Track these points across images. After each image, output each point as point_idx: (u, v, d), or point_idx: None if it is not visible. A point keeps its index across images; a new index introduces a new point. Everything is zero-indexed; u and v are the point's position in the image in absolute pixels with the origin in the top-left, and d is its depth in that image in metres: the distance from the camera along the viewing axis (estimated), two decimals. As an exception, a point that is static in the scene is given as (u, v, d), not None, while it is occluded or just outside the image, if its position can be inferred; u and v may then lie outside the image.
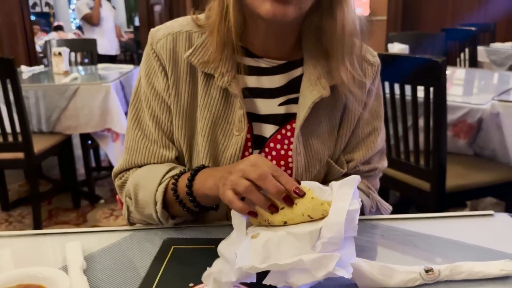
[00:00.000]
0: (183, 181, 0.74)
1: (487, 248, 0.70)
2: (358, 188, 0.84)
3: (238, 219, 0.63)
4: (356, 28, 0.77)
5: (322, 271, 0.53)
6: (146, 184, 0.78)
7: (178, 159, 0.84)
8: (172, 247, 0.73)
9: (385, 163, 0.93)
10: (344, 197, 0.58)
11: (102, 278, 0.65)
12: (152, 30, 0.83)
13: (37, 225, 2.36)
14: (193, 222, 0.83)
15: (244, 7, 0.75)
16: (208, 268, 0.61)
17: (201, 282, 0.62)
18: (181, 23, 0.82)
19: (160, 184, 0.77)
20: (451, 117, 1.78)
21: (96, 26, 4.77)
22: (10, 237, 0.81)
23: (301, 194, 0.59)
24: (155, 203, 0.76)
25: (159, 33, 0.81)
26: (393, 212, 0.91)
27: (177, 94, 0.80)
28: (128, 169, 0.85)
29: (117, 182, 0.87)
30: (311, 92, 0.79)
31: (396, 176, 1.82)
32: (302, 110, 0.79)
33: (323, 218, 0.58)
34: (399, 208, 2.51)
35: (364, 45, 0.82)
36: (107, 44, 4.84)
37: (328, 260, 0.54)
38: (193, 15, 0.82)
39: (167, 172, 0.78)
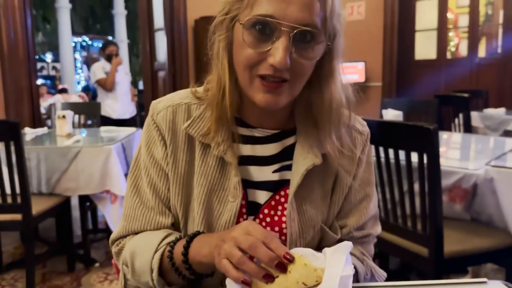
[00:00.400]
0: (179, 248, 0.76)
1: (480, 318, 0.70)
2: (352, 254, 0.86)
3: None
4: (342, 99, 0.81)
5: None
6: (143, 252, 0.79)
7: (174, 225, 0.86)
8: (165, 314, 0.72)
9: (378, 228, 0.94)
10: (336, 263, 0.60)
11: None
12: (153, 102, 0.87)
13: (30, 289, 2.30)
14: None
15: (240, 88, 0.80)
16: None
17: None
18: (181, 96, 0.87)
19: (156, 251, 0.78)
20: (446, 182, 1.81)
21: (110, 92, 4.76)
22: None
23: (291, 259, 0.61)
24: (151, 271, 0.77)
25: (160, 105, 0.86)
26: (394, 278, 0.91)
27: (175, 162, 0.83)
28: (125, 236, 0.86)
29: (114, 249, 0.88)
30: (304, 159, 0.82)
31: (394, 241, 1.81)
32: (295, 176, 0.82)
33: (317, 285, 0.59)
34: (400, 273, 2.46)
35: (352, 115, 0.86)
36: (120, 108, 4.79)
37: None
38: (192, 88, 0.87)
39: (163, 239, 0.79)
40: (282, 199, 0.84)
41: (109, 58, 4.78)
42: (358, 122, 0.90)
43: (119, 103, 4.78)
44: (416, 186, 1.67)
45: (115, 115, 4.70)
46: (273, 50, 0.71)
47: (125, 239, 0.86)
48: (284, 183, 0.85)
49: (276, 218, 0.84)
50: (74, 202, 2.87)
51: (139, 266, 0.80)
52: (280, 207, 0.84)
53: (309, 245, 0.84)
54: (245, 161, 0.84)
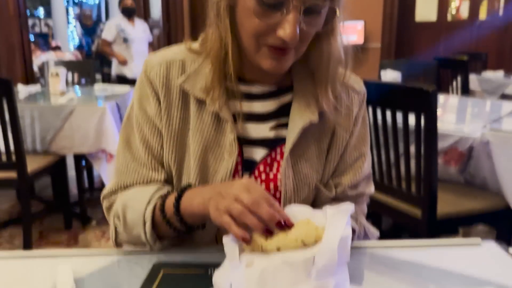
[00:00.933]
0: (170, 200, 0.76)
1: (473, 277, 0.71)
2: None
3: (230, 247, 0.63)
4: (341, 57, 0.80)
5: None
6: (135, 205, 0.79)
7: (167, 182, 0.86)
8: (162, 271, 0.73)
9: (372, 188, 0.95)
10: (338, 223, 0.59)
11: (90, 302, 0.65)
12: (146, 58, 0.86)
13: (28, 246, 2.33)
14: (183, 244, 0.84)
15: (242, 47, 0.78)
16: None
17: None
18: (175, 51, 0.85)
19: (148, 203, 0.78)
20: (442, 144, 1.81)
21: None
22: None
23: (290, 226, 0.61)
24: (144, 223, 0.77)
25: (153, 61, 0.84)
26: (385, 238, 0.92)
27: (168, 119, 0.82)
28: (117, 192, 0.86)
29: (105, 204, 0.88)
30: (301, 117, 0.82)
31: (388, 202, 1.83)
32: (291, 134, 0.82)
33: (316, 244, 0.59)
34: (392, 233, 2.51)
35: (348, 73, 0.85)
36: (135, 68, 4.49)
37: None
38: (186, 43, 0.85)
39: (155, 192, 0.80)
40: (278, 157, 0.84)
41: (125, 12, 4.41)
42: (355, 81, 0.89)
43: (134, 62, 4.52)
44: (412, 149, 1.67)
45: (130, 74, 4.51)
46: (283, 24, 0.70)
47: (116, 194, 0.86)
48: (280, 141, 0.84)
49: (271, 175, 0.84)
50: (70, 162, 2.87)
51: (131, 219, 0.79)
52: (275, 165, 0.84)
53: (303, 203, 0.84)
54: (241, 117, 0.83)
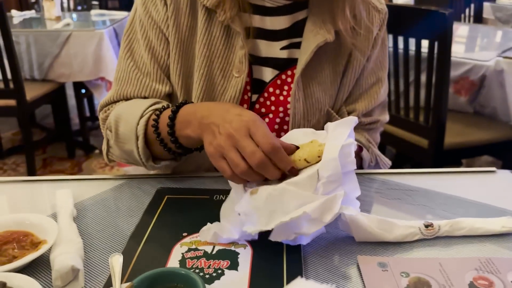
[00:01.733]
0: (165, 119, 0.69)
1: (488, 205, 0.69)
2: (358, 141, 0.82)
3: None
4: None
5: (329, 215, 0.52)
6: (128, 117, 0.73)
7: (171, 97, 0.80)
8: (166, 196, 0.71)
9: (386, 116, 0.91)
10: (339, 136, 0.56)
11: (92, 226, 0.64)
12: None
13: (31, 173, 2.34)
14: (185, 170, 0.81)
15: None
16: (208, 223, 0.60)
17: (194, 232, 0.60)
18: None
19: (141, 117, 0.72)
20: (453, 73, 1.74)
21: None
22: (1, 183, 0.79)
23: (295, 174, 0.57)
24: (137, 138, 0.71)
25: None
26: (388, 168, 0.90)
27: (175, 25, 0.75)
28: (116, 102, 0.80)
29: (101, 115, 0.82)
30: (315, 35, 0.75)
31: (394, 132, 1.79)
32: (304, 54, 0.75)
33: (319, 160, 0.55)
34: (394, 164, 2.51)
35: None
36: None
37: (332, 203, 0.53)
38: None
39: (150, 106, 0.73)
40: (289, 79, 0.79)
41: None
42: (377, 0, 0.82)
43: None
44: (423, 77, 1.61)
45: None
46: None
47: (115, 104, 0.80)
48: (293, 62, 0.78)
49: (281, 97, 0.79)
50: (70, 91, 2.82)
51: (123, 132, 0.74)
52: (286, 87, 0.79)
53: (314, 129, 0.80)
54: (252, 33, 0.76)
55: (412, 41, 1.59)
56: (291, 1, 0.77)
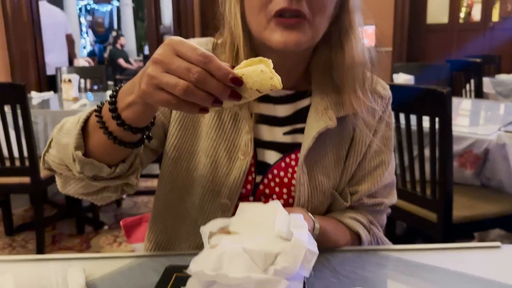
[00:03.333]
0: (107, 104, 0.63)
1: (494, 281, 0.69)
2: (359, 222, 0.84)
3: (203, 233, 0.65)
4: (365, 59, 0.78)
5: None
6: (79, 114, 0.68)
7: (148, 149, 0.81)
8: (174, 275, 0.72)
9: (393, 198, 0.90)
10: (302, 236, 0.58)
11: (102, 305, 0.65)
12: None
13: (41, 250, 2.34)
14: (193, 247, 0.83)
15: (253, 42, 0.77)
16: None
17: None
18: (199, 41, 0.84)
19: (90, 111, 0.67)
20: (457, 147, 1.78)
21: None
22: (12, 261, 0.80)
23: (240, 84, 0.53)
24: (77, 123, 0.65)
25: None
26: (399, 243, 0.90)
27: None
28: None
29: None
30: (317, 122, 0.79)
31: (402, 206, 1.80)
32: (307, 139, 0.79)
33: (271, 90, 0.54)
34: (406, 238, 2.47)
35: (375, 77, 0.83)
36: None
37: (275, 285, 0.54)
38: (212, 38, 0.83)
39: None
40: (293, 162, 0.82)
41: None
42: (380, 85, 0.86)
43: None
44: (427, 152, 1.65)
45: None
46: None
47: None
48: (296, 146, 0.82)
49: (285, 180, 0.82)
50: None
51: (67, 126, 0.68)
52: (290, 170, 0.82)
53: (317, 210, 0.83)
54: (257, 119, 0.81)
55: (413, 117, 1.64)
56: (294, 91, 0.83)
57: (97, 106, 0.64)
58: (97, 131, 0.63)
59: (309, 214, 0.77)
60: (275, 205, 0.67)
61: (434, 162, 1.61)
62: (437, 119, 1.55)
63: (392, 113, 0.89)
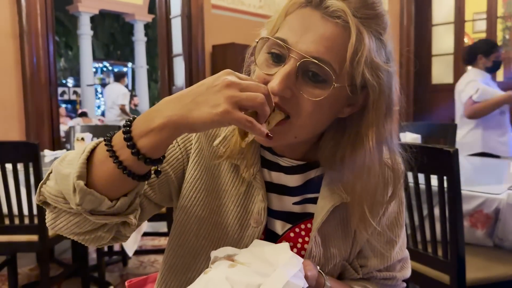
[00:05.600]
0: (120, 133, 0.61)
1: None
2: None
3: (212, 253, 0.69)
4: (376, 170, 0.72)
5: None
6: (83, 148, 0.65)
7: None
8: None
9: (407, 272, 0.88)
10: (291, 266, 0.61)
11: None
12: None
13: (44, 311, 2.29)
14: None
15: None
16: None
17: None
18: None
19: (97, 142, 0.65)
20: (467, 206, 1.76)
21: None
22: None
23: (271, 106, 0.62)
24: (82, 153, 0.63)
25: None
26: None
27: (199, 162, 0.79)
28: None
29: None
30: (332, 195, 0.77)
31: (414, 267, 1.75)
32: (321, 212, 0.77)
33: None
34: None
35: (393, 157, 0.78)
36: None
37: None
38: None
39: None
40: (303, 232, 0.80)
41: None
42: (395, 161, 0.79)
43: None
44: (436, 211, 1.63)
45: None
46: (276, 74, 0.66)
47: None
48: (306, 216, 0.81)
49: (295, 250, 0.80)
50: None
51: (70, 157, 0.65)
52: (300, 240, 0.80)
53: None
54: (268, 187, 0.80)
55: (421, 176, 1.64)
56: (305, 161, 0.81)
57: (106, 136, 0.63)
58: (104, 161, 0.61)
59: (321, 272, 0.76)
60: (285, 246, 0.70)
61: (445, 222, 1.59)
62: (445, 178, 1.54)
63: (403, 190, 0.85)
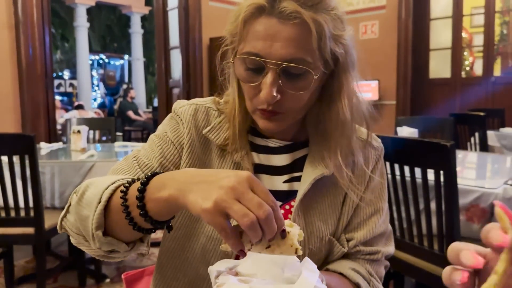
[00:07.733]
0: (137, 184, 0.64)
1: None
2: (358, 272, 0.84)
3: (211, 272, 0.63)
4: (358, 115, 0.82)
5: None
6: (99, 183, 0.69)
7: None
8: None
9: (390, 248, 0.92)
10: (312, 273, 0.59)
11: None
12: (176, 101, 0.91)
13: (40, 304, 2.29)
14: None
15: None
16: None
17: None
18: (204, 99, 0.90)
19: (113, 183, 0.67)
20: (463, 200, 1.77)
21: None
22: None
23: (284, 236, 0.59)
24: (99, 202, 0.65)
25: (183, 101, 0.89)
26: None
27: (191, 152, 0.84)
28: None
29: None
30: (314, 170, 0.83)
31: (410, 261, 1.76)
32: (303, 185, 0.83)
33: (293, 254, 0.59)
34: (415, 295, 2.40)
35: (370, 133, 0.88)
36: None
37: None
38: (215, 97, 0.90)
39: (129, 177, 0.72)
40: (292, 209, 0.84)
41: None
42: (374, 139, 0.91)
43: None
44: (433, 205, 1.64)
45: None
46: (262, 85, 0.73)
47: None
48: (293, 194, 0.85)
49: None
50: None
51: (88, 196, 0.67)
52: (290, 217, 0.84)
53: (315, 256, 0.84)
54: (257, 169, 0.85)
55: (418, 170, 1.65)
56: (292, 141, 0.88)
57: (125, 183, 0.65)
58: (119, 212, 0.64)
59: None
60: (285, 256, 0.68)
61: (441, 216, 1.60)
62: (441, 172, 1.55)
63: (385, 164, 0.94)
